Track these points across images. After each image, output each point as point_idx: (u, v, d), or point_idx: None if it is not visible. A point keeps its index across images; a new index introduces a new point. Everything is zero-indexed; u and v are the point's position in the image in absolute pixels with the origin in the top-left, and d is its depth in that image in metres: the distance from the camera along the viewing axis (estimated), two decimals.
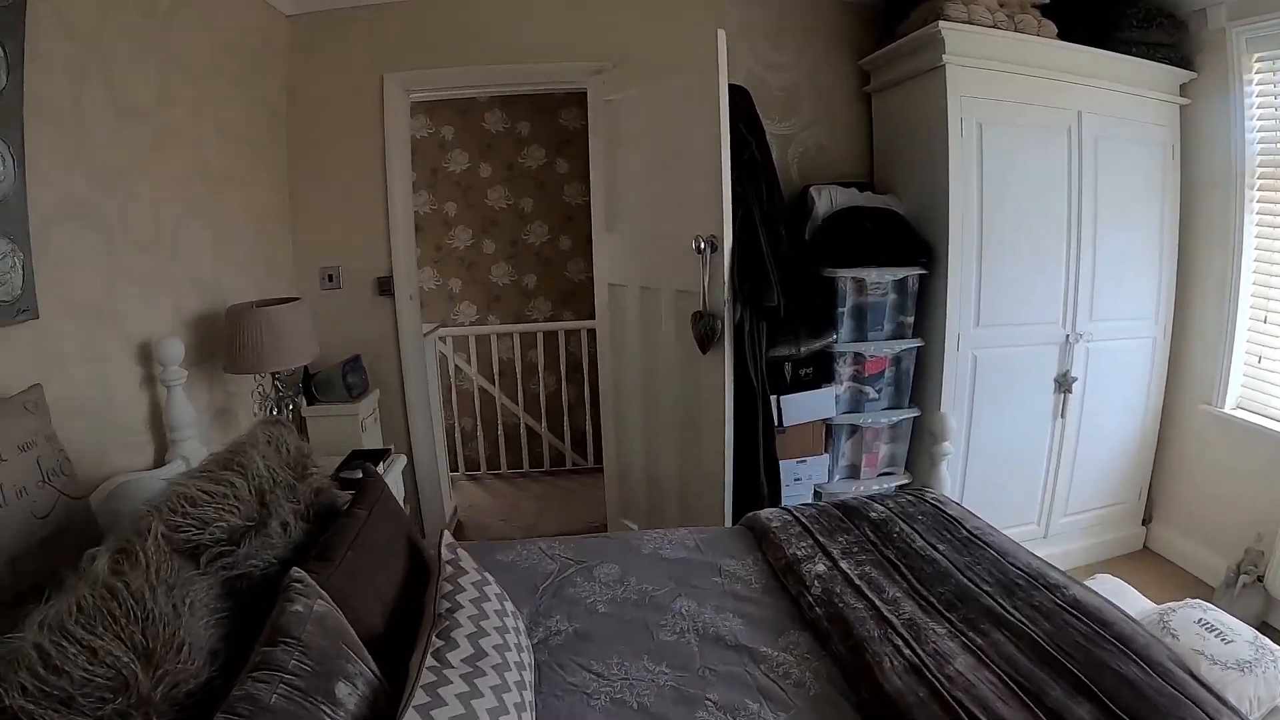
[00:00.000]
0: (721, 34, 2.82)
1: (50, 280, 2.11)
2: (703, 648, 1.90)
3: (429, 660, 1.51)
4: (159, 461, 2.54)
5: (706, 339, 3.06)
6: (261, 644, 1.41)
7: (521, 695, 1.58)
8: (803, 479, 3.50)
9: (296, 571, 1.62)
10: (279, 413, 2.99)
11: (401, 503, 3.31)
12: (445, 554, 1.89)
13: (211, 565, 1.64)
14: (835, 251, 3.42)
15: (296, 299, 3.02)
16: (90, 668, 1.21)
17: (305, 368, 3.48)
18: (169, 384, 2.52)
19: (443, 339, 5.53)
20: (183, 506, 1.69)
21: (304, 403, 3.32)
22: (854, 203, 3.55)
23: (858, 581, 2.07)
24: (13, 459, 1.72)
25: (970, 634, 1.82)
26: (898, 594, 2.01)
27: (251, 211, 3.38)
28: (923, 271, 3.43)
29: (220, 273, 3.09)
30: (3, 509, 1.66)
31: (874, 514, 2.45)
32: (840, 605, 1.96)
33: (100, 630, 1.28)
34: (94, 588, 1.35)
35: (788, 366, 3.41)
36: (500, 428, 5.59)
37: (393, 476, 3.17)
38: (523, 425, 5.64)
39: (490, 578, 1.91)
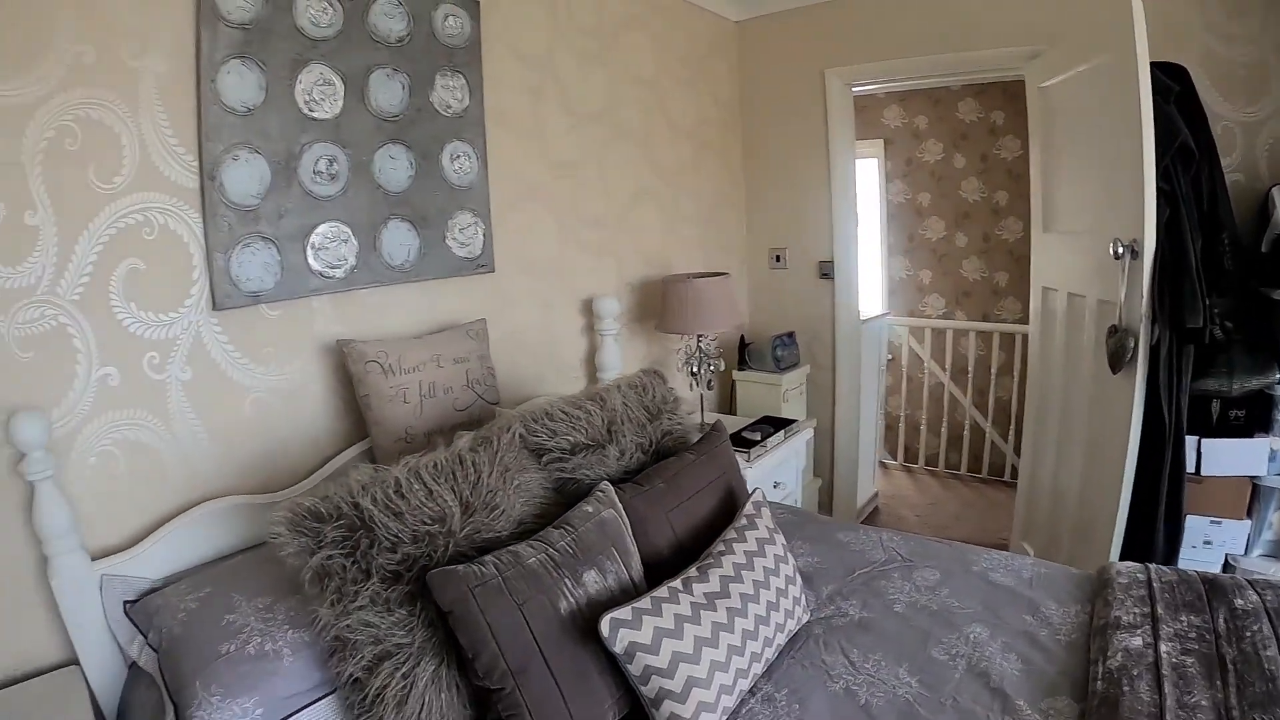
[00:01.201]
0: (1137, 3, 2.54)
1: (507, 244, 2.94)
2: (963, 678, 1.86)
3: (675, 582, 1.85)
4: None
5: (1117, 358, 2.78)
6: (551, 526, 1.91)
7: (745, 643, 1.81)
8: (1214, 543, 3.01)
9: (604, 484, 2.11)
10: (698, 372, 3.51)
11: (803, 474, 3.65)
12: (748, 509, 2.18)
13: (549, 465, 2.20)
14: None
15: (724, 274, 3.49)
16: (424, 501, 1.81)
17: (742, 336, 4.03)
18: (603, 333, 3.25)
19: (898, 327, 5.74)
20: (543, 418, 2.27)
21: (721, 365, 3.70)
22: None
23: (1166, 671, 1.78)
24: (448, 367, 2.50)
25: None
26: (1203, 701, 1.69)
27: (701, 196, 3.98)
28: None
29: (668, 247, 3.77)
30: (432, 399, 2.43)
31: (1240, 602, 2.02)
32: (1124, 690, 1.72)
33: (441, 481, 1.88)
34: (451, 454, 1.97)
35: (1215, 405, 2.95)
36: (945, 424, 5.56)
37: (794, 445, 3.50)
38: (967, 426, 5.51)
39: (780, 541, 2.12)
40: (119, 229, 1.99)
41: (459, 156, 2.69)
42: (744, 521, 2.10)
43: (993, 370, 5.37)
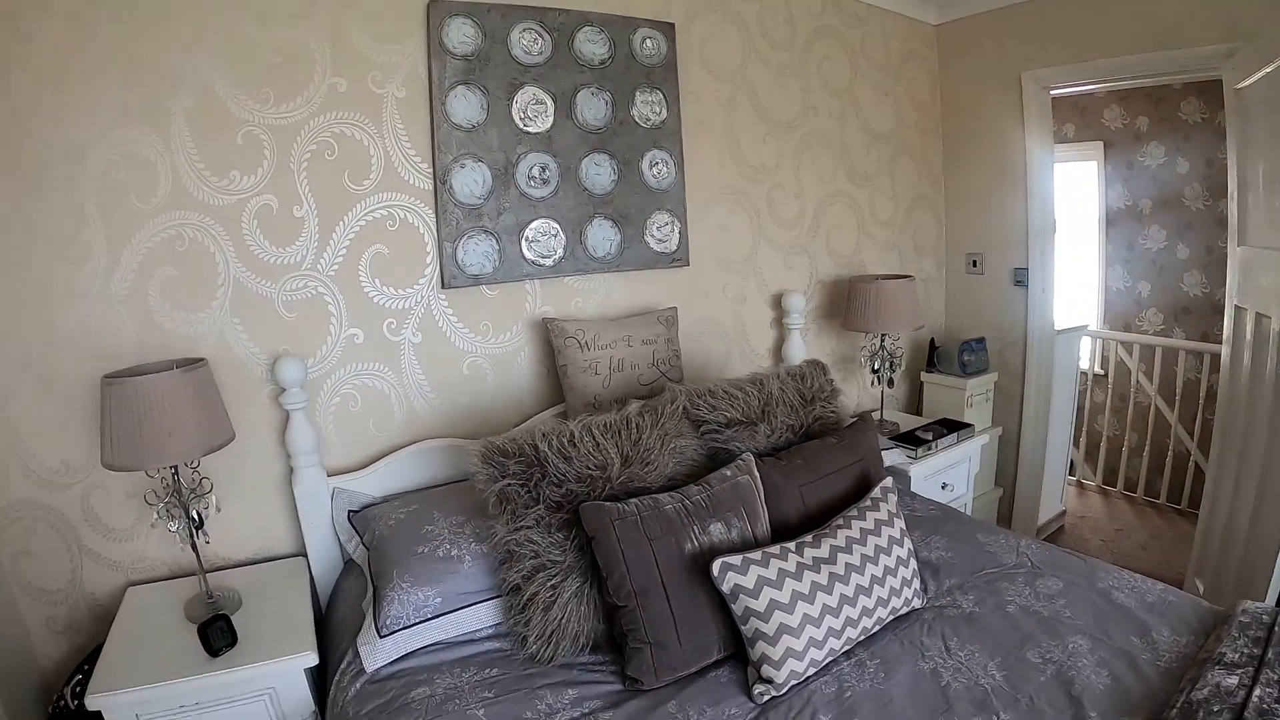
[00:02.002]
0: None
1: (701, 241, 3.20)
2: (1047, 681, 1.84)
3: (789, 543, 2.00)
4: None
5: None
6: (693, 483, 2.12)
7: (841, 607, 1.91)
8: None
9: (747, 454, 2.30)
10: (879, 369, 3.53)
11: (975, 479, 3.57)
12: (875, 493, 2.25)
13: (705, 435, 2.41)
14: None
15: (909, 277, 3.51)
16: (591, 451, 2.10)
17: (932, 339, 4.04)
18: (790, 327, 3.42)
19: (1110, 341, 5.32)
20: (706, 395, 2.48)
21: (902, 365, 3.66)
22: None
23: (1250, 714, 1.64)
24: (636, 346, 2.77)
25: None
26: None
27: (898, 199, 3.98)
28: None
29: (861, 248, 3.83)
30: (619, 373, 2.73)
31: None
32: None
33: (608, 437, 2.15)
34: (620, 416, 2.23)
35: None
36: (1147, 447, 5.01)
37: (966, 450, 3.44)
38: (1171, 451, 4.84)
39: (899, 526, 2.17)
40: (367, 221, 2.46)
41: (657, 163, 2.96)
42: (868, 503, 2.19)
43: (1201, 394, 4.78)
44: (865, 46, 3.75)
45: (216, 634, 1.93)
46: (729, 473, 2.17)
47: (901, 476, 3.12)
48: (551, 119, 2.71)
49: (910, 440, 3.30)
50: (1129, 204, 5.50)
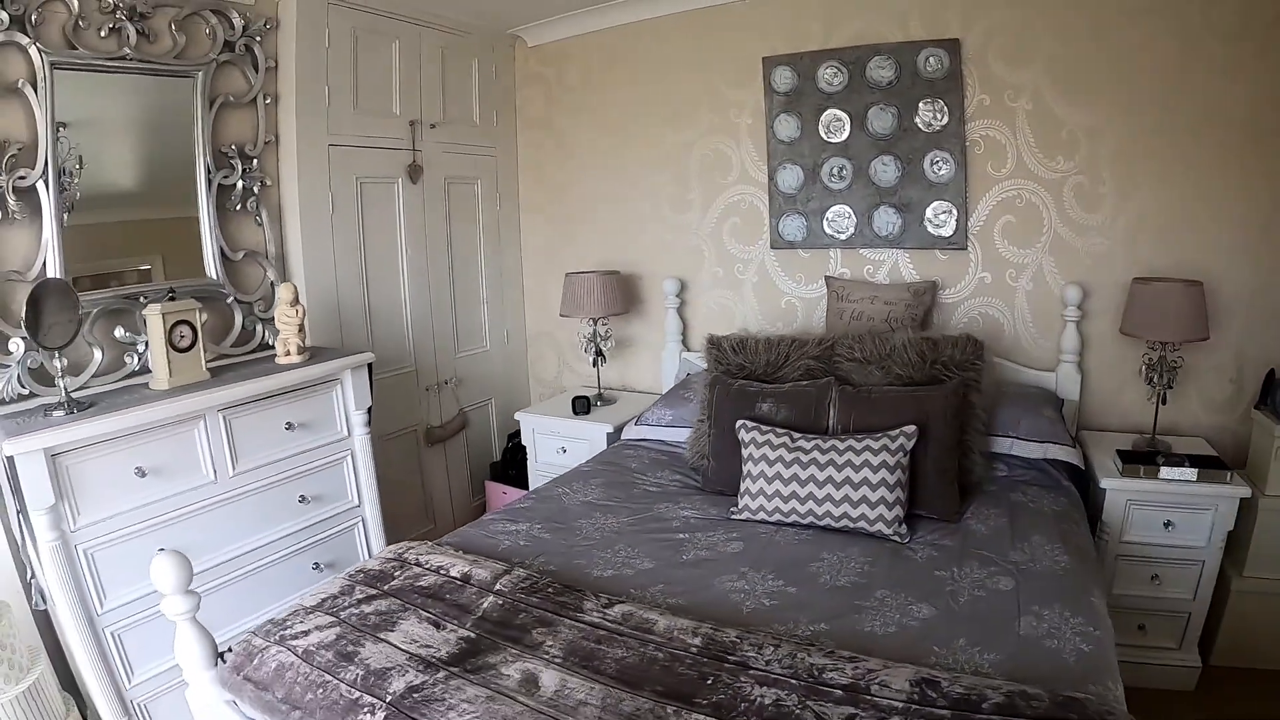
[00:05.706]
0: None
1: (981, 229, 3.54)
2: (862, 605, 2.13)
3: (797, 433, 2.88)
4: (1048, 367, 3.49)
5: None
6: (787, 382, 3.20)
7: (791, 487, 2.60)
8: None
9: (829, 379, 3.11)
10: (1158, 379, 3.04)
11: (1221, 536, 2.85)
12: (894, 433, 2.75)
13: (834, 360, 3.17)
14: None
15: (1195, 283, 2.93)
16: (750, 353, 3.34)
17: (1272, 369, 3.06)
18: (1066, 318, 3.36)
19: None
20: (849, 338, 3.20)
21: (1174, 377, 3.03)
22: None
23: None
24: (878, 305, 3.56)
25: None
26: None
27: (1257, 196, 3.11)
28: None
29: (1201, 249, 3.21)
30: (856, 320, 3.61)
31: None
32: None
33: (763, 348, 3.32)
34: (778, 338, 3.37)
35: None
36: None
37: (1205, 493, 2.81)
38: None
39: (887, 463, 2.74)
40: (729, 203, 4.01)
41: (938, 162, 3.50)
42: (880, 435, 2.63)
43: None
44: (1208, 16, 3.05)
45: (579, 404, 3.97)
46: (805, 384, 3.06)
47: (1093, 485, 3.01)
48: (848, 131, 3.65)
49: (1141, 459, 2.94)
50: None
